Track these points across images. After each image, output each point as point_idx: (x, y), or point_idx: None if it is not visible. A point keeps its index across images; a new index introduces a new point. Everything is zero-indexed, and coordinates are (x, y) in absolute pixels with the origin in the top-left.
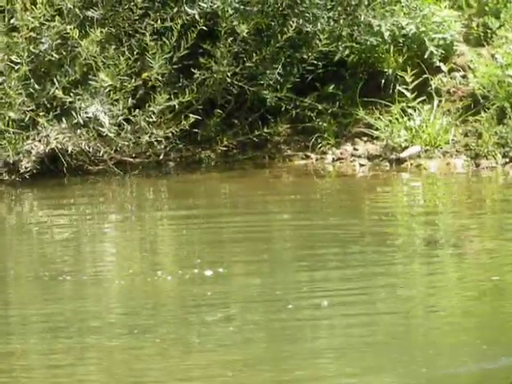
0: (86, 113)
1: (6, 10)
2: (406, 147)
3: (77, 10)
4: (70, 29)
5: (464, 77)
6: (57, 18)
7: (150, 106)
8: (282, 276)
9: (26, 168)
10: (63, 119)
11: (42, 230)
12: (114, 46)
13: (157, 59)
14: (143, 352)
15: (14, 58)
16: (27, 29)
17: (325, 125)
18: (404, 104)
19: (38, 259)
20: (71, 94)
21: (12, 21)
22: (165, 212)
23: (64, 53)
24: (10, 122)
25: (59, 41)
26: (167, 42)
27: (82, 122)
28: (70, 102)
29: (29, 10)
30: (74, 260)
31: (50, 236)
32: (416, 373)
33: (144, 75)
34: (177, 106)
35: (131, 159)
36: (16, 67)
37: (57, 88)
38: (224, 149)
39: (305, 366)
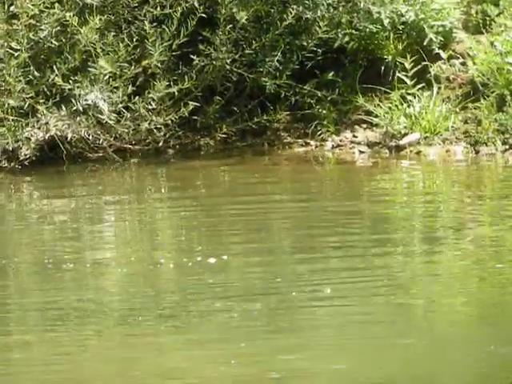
0: (85, 100)
1: None
2: (406, 134)
3: None
4: (70, 16)
5: (463, 64)
6: (56, 5)
7: (149, 93)
8: (281, 264)
9: (25, 155)
10: (62, 106)
11: (41, 217)
12: (113, 33)
13: (156, 46)
14: (143, 341)
15: (13, 44)
16: (27, 16)
17: (324, 112)
18: (403, 91)
19: (38, 247)
20: (70, 81)
21: (12, 8)
22: (164, 199)
23: (63, 40)
24: (10, 110)
25: (59, 28)
26: (167, 29)
27: (81, 109)
28: (70, 89)
29: None
30: (74, 247)
31: (49, 223)
32: (415, 358)
33: (144, 63)
34: (176, 94)
35: (131, 146)
36: (16, 54)
37: (56, 75)
38: (223, 136)
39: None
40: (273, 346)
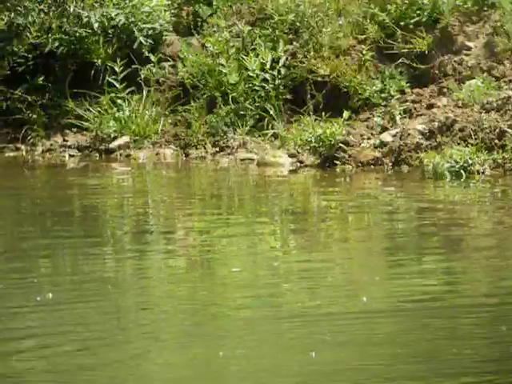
0: None
1: None
2: (116, 138)
3: None
4: None
5: (173, 66)
6: None
7: None
8: None
9: None
10: None
11: None
12: None
13: None
14: None
15: None
16: None
17: (34, 116)
18: (113, 95)
19: None
20: None
21: None
22: None
23: None
24: None
25: None
26: None
27: None
28: None
29: None
30: None
31: None
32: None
33: None
34: None
35: None
36: None
37: None
38: None
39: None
40: None
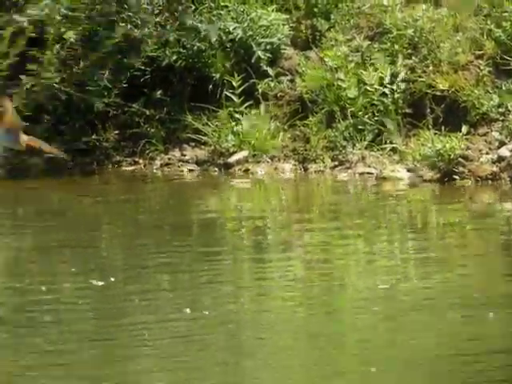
0: None
1: None
2: (234, 152)
3: None
4: None
5: (292, 81)
6: None
7: None
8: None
9: None
10: None
11: None
12: None
13: None
14: None
15: None
16: None
17: (153, 130)
18: (231, 109)
19: None
20: None
21: None
22: None
23: None
24: None
25: None
26: None
27: None
28: None
29: None
30: None
31: None
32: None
33: None
34: None
35: None
36: None
37: None
38: (52, 156)
39: None
40: None
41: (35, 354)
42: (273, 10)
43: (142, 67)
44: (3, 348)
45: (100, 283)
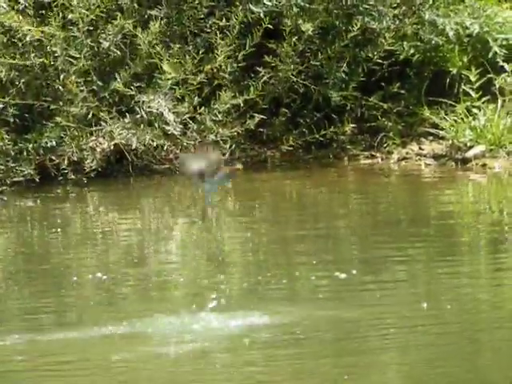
0: (148, 107)
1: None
2: (471, 147)
3: (135, 4)
4: (134, 26)
5: None
6: (118, 14)
7: (215, 104)
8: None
9: (90, 167)
10: (127, 115)
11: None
12: (178, 45)
13: (220, 55)
14: None
15: (72, 52)
16: (83, 22)
17: (390, 124)
18: (469, 103)
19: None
20: (132, 88)
21: (69, 15)
22: (231, 213)
23: (126, 49)
24: (72, 118)
25: (120, 37)
26: (231, 39)
27: (145, 116)
28: (132, 96)
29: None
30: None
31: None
32: None
33: (207, 67)
34: (242, 106)
35: None
36: (75, 62)
37: (118, 82)
38: (289, 148)
39: None
40: None
41: None
42: (506, 8)
43: (379, 60)
44: None
45: (342, 275)
